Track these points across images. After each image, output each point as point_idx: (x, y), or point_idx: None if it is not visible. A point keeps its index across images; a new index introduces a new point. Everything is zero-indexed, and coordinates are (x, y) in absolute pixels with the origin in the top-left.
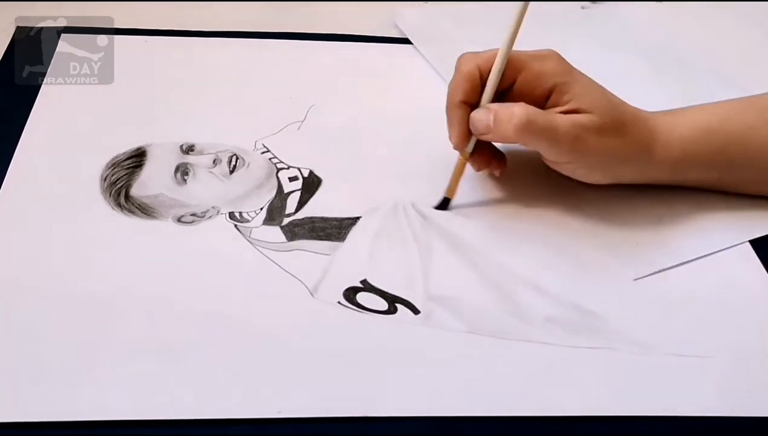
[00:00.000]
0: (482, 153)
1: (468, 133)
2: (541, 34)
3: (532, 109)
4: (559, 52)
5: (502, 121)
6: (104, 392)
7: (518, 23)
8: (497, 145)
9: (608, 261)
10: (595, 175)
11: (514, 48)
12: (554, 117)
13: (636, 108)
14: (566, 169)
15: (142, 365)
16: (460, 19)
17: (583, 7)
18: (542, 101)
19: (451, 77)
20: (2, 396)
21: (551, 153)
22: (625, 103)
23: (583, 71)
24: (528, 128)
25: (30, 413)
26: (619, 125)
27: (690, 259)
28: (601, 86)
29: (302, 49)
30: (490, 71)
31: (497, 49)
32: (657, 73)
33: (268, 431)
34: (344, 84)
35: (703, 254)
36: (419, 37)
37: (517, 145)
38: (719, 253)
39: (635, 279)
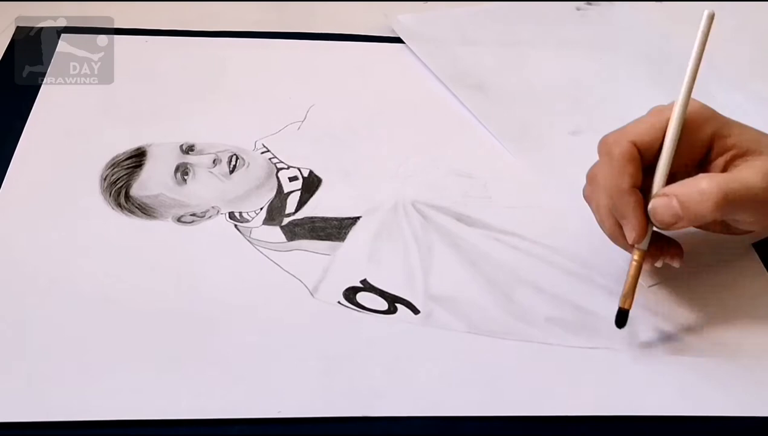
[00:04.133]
0: (654, 245)
1: (647, 223)
2: (535, 37)
3: (718, 178)
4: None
5: (692, 202)
6: (104, 392)
7: (690, 85)
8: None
9: (613, 263)
10: None
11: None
12: (740, 177)
13: None
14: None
15: (142, 365)
16: (456, 22)
17: (578, 9)
18: (702, 157)
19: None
20: (2, 396)
21: (756, 216)
22: None
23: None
24: (728, 200)
25: (30, 413)
26: None
27: (703, 264)
28: (739, 122)
29: (302, 49)
30: (647, 145)
31: (644, 120)
32: (652, 74)
33: (268, 431)
34: (344, 84)
35: (713, 262)
36: (416, 41)
37: None
38: (719, 253)
39: (649, 286)
